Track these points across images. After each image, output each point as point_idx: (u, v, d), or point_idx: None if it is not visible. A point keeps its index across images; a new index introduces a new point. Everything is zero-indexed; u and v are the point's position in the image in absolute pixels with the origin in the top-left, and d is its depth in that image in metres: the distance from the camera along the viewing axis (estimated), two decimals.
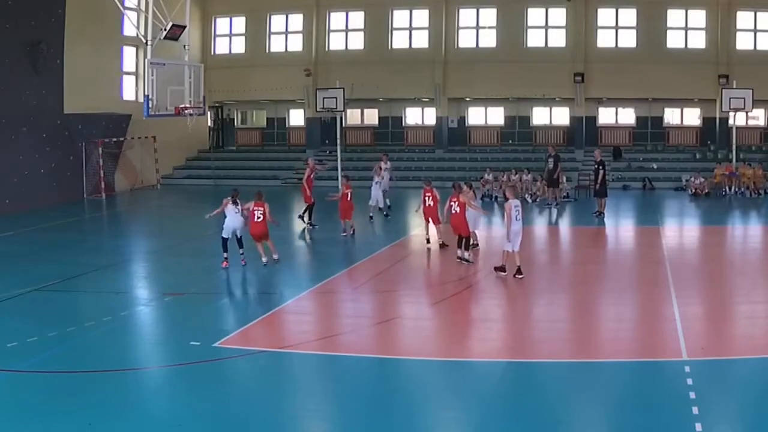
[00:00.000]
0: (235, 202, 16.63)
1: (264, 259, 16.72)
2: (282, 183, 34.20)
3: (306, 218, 22.03)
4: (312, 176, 22.16)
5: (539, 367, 10.45)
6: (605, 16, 34.00)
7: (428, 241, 18.56)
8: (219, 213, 16.81)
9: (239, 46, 37.64)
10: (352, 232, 20.36)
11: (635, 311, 13.13)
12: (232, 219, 16.60)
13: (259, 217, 16.56)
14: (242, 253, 16.77)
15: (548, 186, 26.82)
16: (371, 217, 23.31)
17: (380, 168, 24.20)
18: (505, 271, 15.09)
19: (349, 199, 20.13)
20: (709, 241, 20.97)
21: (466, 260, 16.38)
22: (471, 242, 16.98)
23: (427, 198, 18.41)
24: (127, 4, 26.94)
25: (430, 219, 18.52)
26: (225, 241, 16.57)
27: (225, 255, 16.48)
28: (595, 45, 33.86)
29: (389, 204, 24.31)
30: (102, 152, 29.58)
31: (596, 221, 23.37)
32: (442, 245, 18.02)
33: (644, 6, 33.19)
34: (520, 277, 14.80)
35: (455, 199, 16.48)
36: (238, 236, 16.75)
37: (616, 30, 33.97)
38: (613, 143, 34.21)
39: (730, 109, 29.43)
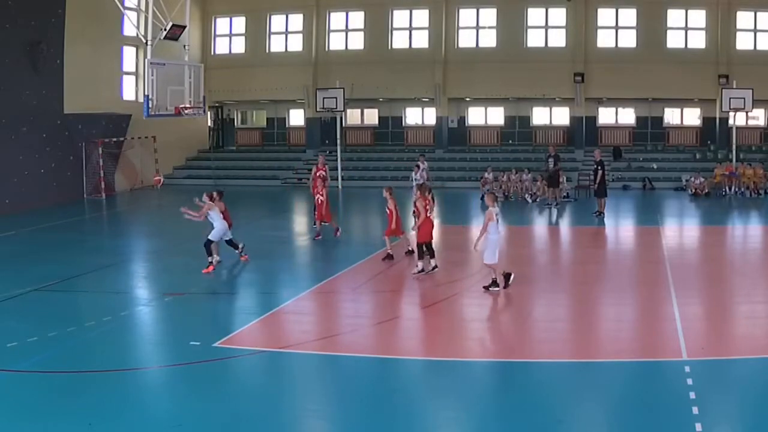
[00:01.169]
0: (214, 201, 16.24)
1: (218, 258, 16.63)
2: (282, 183, 34.25)
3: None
4: (319, 175, 21.89)
5: (539, 367, 10.44)
6: (605, 16, 34.04)
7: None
8: (202, 217, 16.18)
9: (239, 46, 37.67)
10: (316, 236, 19.95)
11: (635, 311, 13.12)
12: (221, 222, 16.23)
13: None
14: (241, 250, 16.75)
15: (548, 186, 26.84)
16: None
17: (417, 167, 24.37)
18: (510, 277, 14.12)
19: (320, 202, 19.64)
20: (709, 241, 20.97)
21: (435, 267, 15.55)
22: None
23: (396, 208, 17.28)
24: (127, 4, 26.94)
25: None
26: (212, 243, 16.21)
27: (210, 259, 16.15)
28: (595, 45, 33.91)
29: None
30: (102, 152, 29.58)
31: (596, 221, 23.37)
32: (390, 257, 17.02)
33: (644, 6, 33.22)
34: (495, 290, 14.03)
35: (426, 203, 15.67)
36: (227, 239, 16.53)
37: (616, 30, 34.00)
38: (613, 143, 34.25)
39: (730, 109, 29.49)
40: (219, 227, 16.23)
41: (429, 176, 25.72)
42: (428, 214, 15.61)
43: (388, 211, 17.15)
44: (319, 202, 19.58)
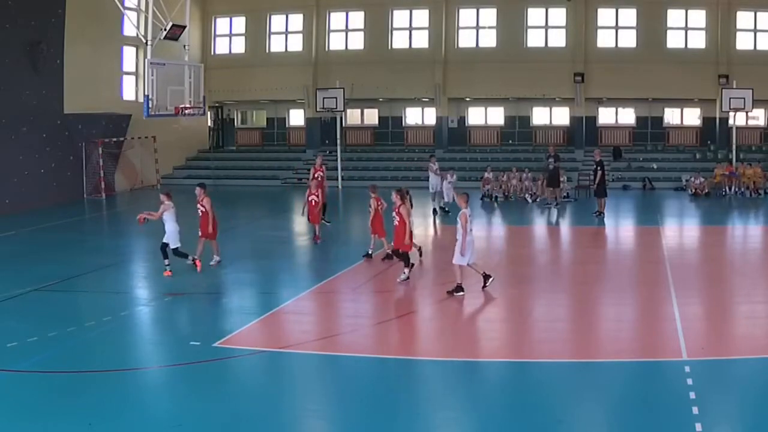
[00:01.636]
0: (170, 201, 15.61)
1: (218, 258, 16.44)
2: (282, 183, 34.25)
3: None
4: (316, 176, 21.89)
5: (539, 367, 10.44)
6: (605, 16, 34.06)
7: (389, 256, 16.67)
8: (158, 216, 15.59)
9: (239, 46, 37.68)
10: (315, 239, 19.57)
11: (635, 311, 13.13)
12: (175, 226, 15.59)
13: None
14: (168, 265, 15.73)
15: (548, 186, 26.85)
16: (447, 212, 24.04)
17: (441, 170, 24.81)
18: (463, 290, 13.78)
19: (314, 204, 19.32)
20: (709, 241, 20.98)
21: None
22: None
23: (379, 207, 16.96)
24: (127, 4, 26.96)
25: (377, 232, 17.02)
26: (177, 249, 15.68)
27: (188, 260, 15.80)
28: (595, 45, 33.92)
29: (444, 206, 24.38)
30: (102, 152, 29.60)
31: (596, 221, 23.38)
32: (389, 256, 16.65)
33: (644, 6, 33.23)
34: (491, 280, 14.07)
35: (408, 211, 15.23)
36: (165, 241, 15.70)
37: (616, 30, 34.01)
38: (613, 143, 34.26)
39: (730, 109, 29.51)
40: (170, 229, 15.58)
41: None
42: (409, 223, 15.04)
43: (369, 210, 16.99)
44: (313, 203, 19.27)
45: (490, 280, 14.18)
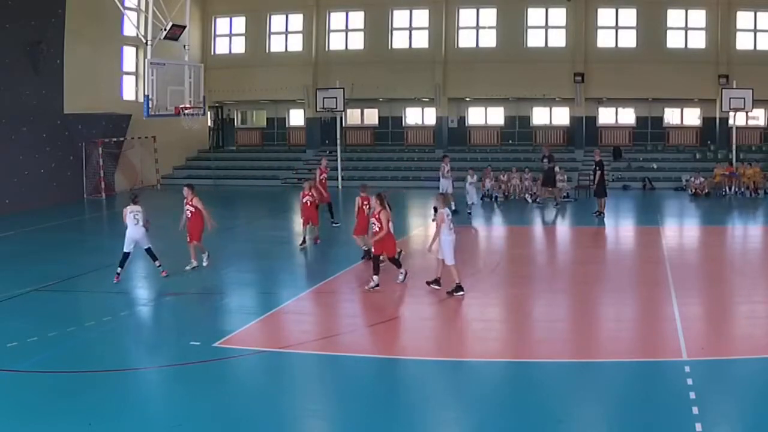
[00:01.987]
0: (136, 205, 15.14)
1: (195, 263, 16.14)
2: (282, 183, 34.25)
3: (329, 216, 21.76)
4: (322, 178, 21.88)
5: (539, 367, 10.44)
6: (605, 16, 34.06)
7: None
8: (124, 219, 15.22)
9: (239, 46, 37.68)
10: (315, 240, 19.43)
11: (635, 311, 13.13)
12: (132, 230, 15.04)
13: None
14: (159, 266, 15.48)
15: (543, 185, 26.85)
16: (469, 213, 23.92)
17: (469, 174, 24.67)
18: (463, 290, 13.72)
19: (309, 204, 19.01)
20: (709, 241, 20.97)
21: (375, 286, 14.45)
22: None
23: (365, 207, 16.74)
24: (127, 4, 26.94)
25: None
26: (127, 256, 15.14)
27: (119, 270, 15.06)
28: (595, 45, 33.92)
29: (469, 208, 24.29)
30: (102, 152, 29.62)
31: (596, 221, 23.38)
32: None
33: (644, 6, 33.23)
34: (435, 286, 13.94)
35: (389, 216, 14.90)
36: (145, 247, 15.35)
37: (616, 30, 34.01)
38: (613, 143, 34.26)
39: (730, 109, 29.51)
40: (128, 234, 15.06)
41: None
42: (389, 227, 14.75)
43: (356, 209, 16.86)
44: (308, 203, 19.00)
45: (436, 285, 13.98)
